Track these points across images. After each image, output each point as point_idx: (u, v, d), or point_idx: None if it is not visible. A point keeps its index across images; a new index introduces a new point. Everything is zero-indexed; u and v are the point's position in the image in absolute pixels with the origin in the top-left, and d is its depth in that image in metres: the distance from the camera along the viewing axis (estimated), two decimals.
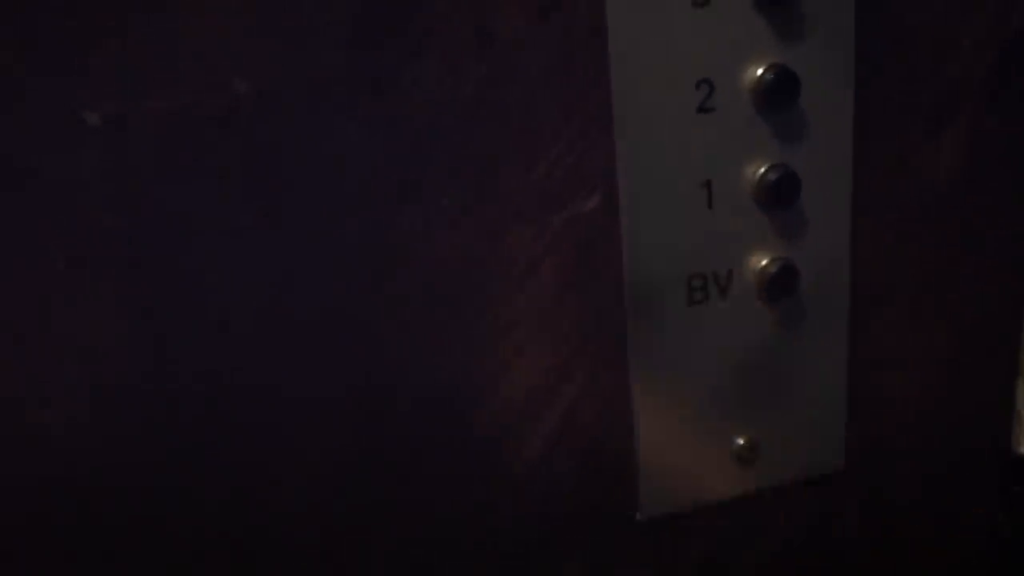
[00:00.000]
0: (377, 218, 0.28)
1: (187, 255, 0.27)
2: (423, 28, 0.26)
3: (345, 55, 0.26)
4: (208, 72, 0.25)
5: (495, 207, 0.29)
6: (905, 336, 0.35)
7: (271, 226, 0.27)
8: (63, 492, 0.28)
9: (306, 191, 0.27)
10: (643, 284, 0.30)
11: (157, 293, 0.27)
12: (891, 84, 0.31)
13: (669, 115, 0.28)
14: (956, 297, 0.35)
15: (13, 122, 0.24)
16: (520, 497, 0.32)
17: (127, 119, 0.25)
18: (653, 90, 0.28)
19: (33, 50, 0.24)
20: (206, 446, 0.29)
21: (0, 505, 0.28)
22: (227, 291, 0.27)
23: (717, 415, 0.33)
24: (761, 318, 0.32)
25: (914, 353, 0.35)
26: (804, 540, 0.37)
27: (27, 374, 0.27)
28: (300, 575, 0.31)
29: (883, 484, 0.37)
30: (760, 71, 0.28)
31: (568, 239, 0.30)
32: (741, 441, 0.33)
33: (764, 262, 0.31)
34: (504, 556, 0.33)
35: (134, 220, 0.26)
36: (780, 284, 0.31)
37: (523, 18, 0.27)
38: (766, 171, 0.29)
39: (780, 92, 0.28)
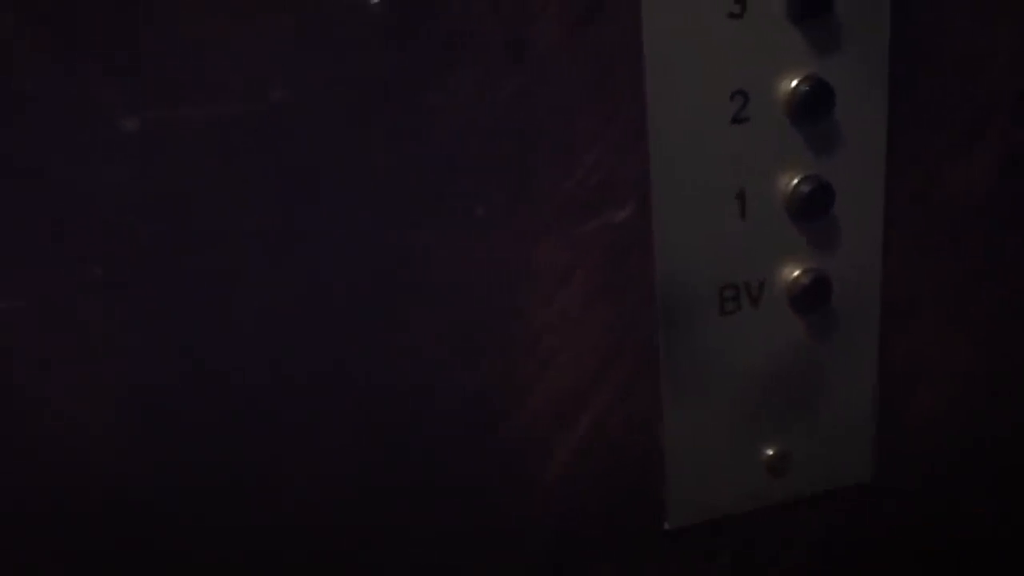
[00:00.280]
0: (409, 227, 0.28)
1: (219, 262, 0.27)
2: (458, 38, 0.27)
3: (379, 64, 0.26)
4: (244, 80, 0.25)
5: (528, 216, 0.29)
6: (935, 348, 0.35)
7: (303, 233, 0.27)
8: (86, 495, 0.28)
9: (338, 199, 0.27)
10: (675, 294, 0.30)
11: (188, 299, 0.27)
12: (923, 97, 0.31)
13: (703, 126, 0.29)
14: (986, 310, 0.35)
15: (48, 128, 0.25)
16: (548, 507, 0.32)
17: (163, 126, 0.25)
18: (688, 101, 0.28)
19: (70, 55, 0.24)
20: (231, 450, 0.29)
21: (20, 505, 0.28)
22: (257, 297, 0.27)
23: (748, 425, 0.33)
24: (793, 328, 0.32)
25: (944, 365, 0.35)
26: (833, 551, 0.37)
27: (55, 380, 0.27)
28: None
29: (913, 496, 0.37)
30: (795, 83, 0.29)
31: (600, 248, 0.30)
32: (771, 452, 0.33)
33: (796, 273, 0.31)
34: (532, 566, 0.33)
35: (167, 227, 0.26)
36: (812, 295, 0.31)
37: (559, 28, 0.27)
38: (799, 182, 0.30)
39: (815, 103, 0.29)
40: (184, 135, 0.25)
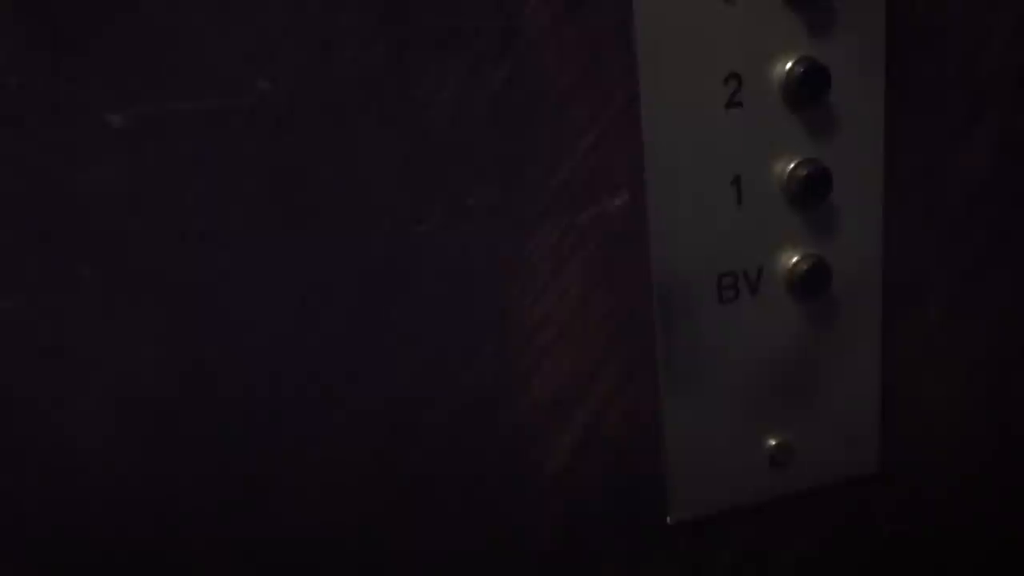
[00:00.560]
0: (402, 218, 0.28)
1: (211, 258, 0.27)
2: (448, 26, 0.26)
3: (369, 55, 0.26)
4: (233, 74, 0.25)
5: (521, 206, 0.28)
6: (938, 334, 0.34)
7: (296, 227, 0.27)
8: (89, 504, 0.28)
9: (331, 192, 0.27)
10: (672, 283, 0.30)
11: (180, 297, 0.27)
12: (922, 80, 0.31)
13: (697, 110, 0.28)
14: (989, 295, 0.34)
15: (39, 126, 0.24)
16: (550, 500, 0.32)
17: (151, 121, 0.25)
18: (681, 85, 0.28)
19: (57, 52, 0.24)
20: (227, 448, 0.29)
21: (27, 515, 0.28)
22: (250, 293, 0.27)
23: (749, 416, 0.32)
24: (793, 316, 0.31)
25: (947, 352, 0.35)
26: (838, 543, 0.36)
27: (52, 384, 0.27)
28: None
29: (919, 486, 0.36)
30: (789, 65, 0.28)
31: (595, 238, 0.29)
32: (774, 443, 0.32)
33: (795, 259, 0.30)
34: (535, 562, 0.33)
35: (157, 224, 0.26)
36: (812, 281, 0.30)
37: (548, 15, 0.27)
38: (796, 166, 0.29)
39: (810, 86, 0.28)
40: (175, 132, 0.25)
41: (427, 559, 0.32)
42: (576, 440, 0.31)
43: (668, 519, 0.33)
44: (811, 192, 0.29)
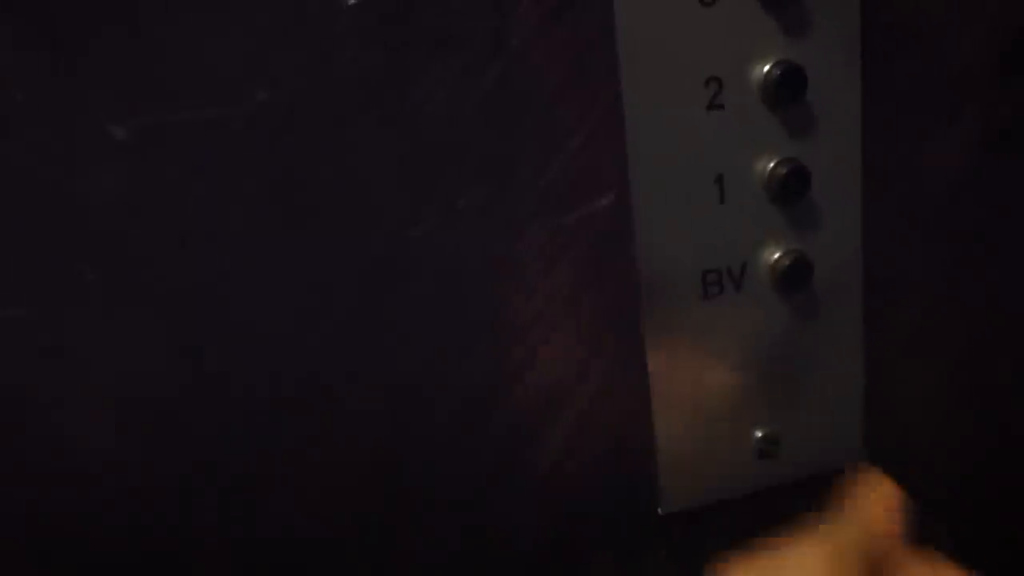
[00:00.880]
0: (394, 220, 0.28)
1: (211, 259, 0.27)
2: (438, 32, 0.27)
3: (362, 60, 0.27)
4: (231, 83, 0.26)
5: (510, 207, 0.29)
6: (919, 327, 0.35)
7: (296, 228, 0.27)
8: (89, 504, 0.29)
9: (330, 193, 0.27)
10: (658, 280, 0.31)
11: (181, 298, 0.27)
12: (899, 77, 0.32)
13: (679, 113, 0.29)
14: (969, 288, 0.35)
15: (40, 136, 0.25)
16: (541, 494, 0.32)
17: (152, 131, 0.26)
18: (663, 88, 0.29)
19: (60, 62, 0.25)
20: (228, 448, 0.29)
21: (27, 515, 0.28)
22: (252, 294, 0.28)
23: (736, 409, 0.33)
24: (776, 311, 0.32)
25: (929, 344, 0.35)
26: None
27: (52, 384, 0.27)
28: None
29: (904, 477, 0.37)
30: (767, 67, 0.29)
31: (583, 238, 0.30)
32: (761, 434, 0.33)
33: (777, 255, 0.31)
34: (528, 552, 0.33)
35: (158, 229, 0.26)
36: (794, 276, 0.31)
37: (536, 20, 0.28)
38: (776, 165, 0.30)
39: (788, 87, 0.29)
40: (175, 140, 0.26)
41: (424, 556, 0.32)
42: (567, 435, 0.32)
43: (659, 511, 0.34)
44: (791, 189, 0.30)
